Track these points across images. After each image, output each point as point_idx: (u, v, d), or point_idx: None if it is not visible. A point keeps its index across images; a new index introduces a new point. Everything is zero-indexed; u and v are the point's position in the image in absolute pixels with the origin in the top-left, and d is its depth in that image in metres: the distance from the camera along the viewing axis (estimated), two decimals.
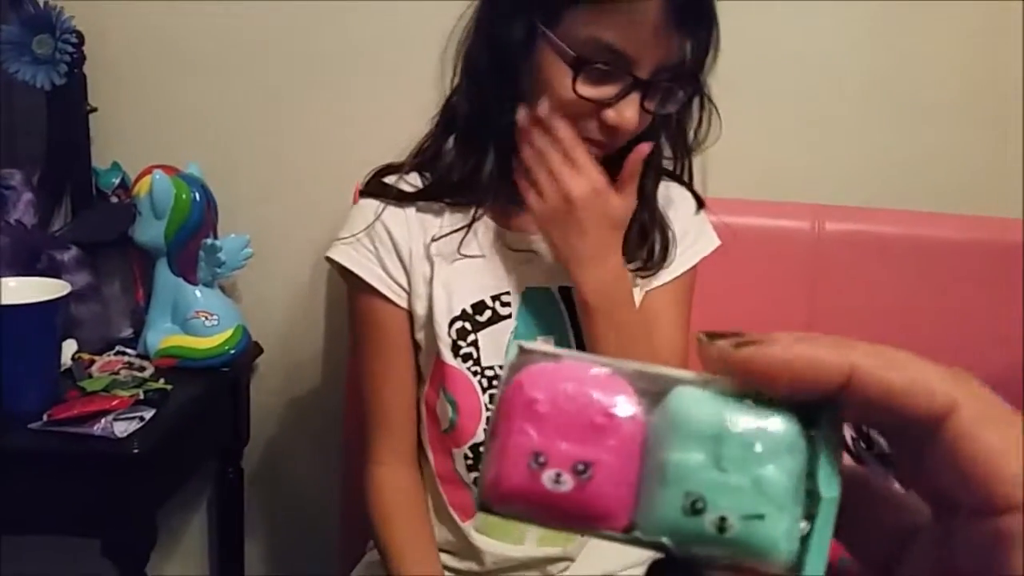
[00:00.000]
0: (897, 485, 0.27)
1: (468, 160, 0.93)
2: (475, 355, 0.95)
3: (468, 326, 0.95)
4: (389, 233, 0.95)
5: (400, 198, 0.96)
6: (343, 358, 1.34)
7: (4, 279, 1.07)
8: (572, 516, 0.24)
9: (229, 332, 1.23)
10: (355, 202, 1.06)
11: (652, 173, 0.96)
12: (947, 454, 0.23)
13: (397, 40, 1.30)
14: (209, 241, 1.22)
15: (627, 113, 0.84)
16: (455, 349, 0.94)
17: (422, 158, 0.98)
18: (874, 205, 1.34)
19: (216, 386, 1.22)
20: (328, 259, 0.98)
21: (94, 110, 1.30)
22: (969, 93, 1.34)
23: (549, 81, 0.85)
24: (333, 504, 1.37)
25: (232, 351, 1.23)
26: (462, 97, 0.93)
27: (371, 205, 0.97)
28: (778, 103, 1.34)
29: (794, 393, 0.24)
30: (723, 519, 0.23)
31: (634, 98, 0.84)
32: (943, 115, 1.35)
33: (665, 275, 0.99)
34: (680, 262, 1.00)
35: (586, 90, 0.83)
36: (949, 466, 0.23)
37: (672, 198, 1.01)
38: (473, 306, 0.95)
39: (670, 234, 0.98)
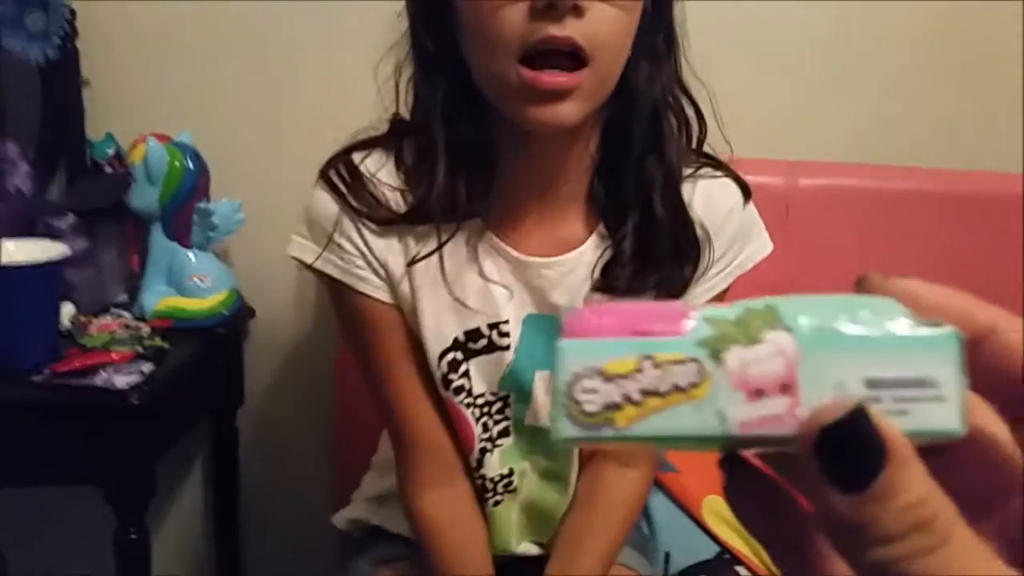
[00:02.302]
0: None
1: (431, 171, 0.80)
2: (467, 386, 0.87)
3: (460, 355, 0.86)
4: (365, 240, 0.83)
5: (375, 219, 0.82)
6: (333, 321, 1.38)
7: (4, 240, 1.10)
8: None
9: (223, 294, 1.27)
10: None
11: (661, 175, 0.83)
12: None
13: (391, 8, 1.34)
14: (202, 206, 1.26)
15: None
16: (446, 383, 0.86)
17: (396, 151, 0.85)
18: (846, 160, 1.38)
19: (211, 346, 1.26)
20: (308, 267, 0.84)
21: (87, 83, 1.34)
22: (940, 48, 1.39)
23: (477, 13, 0.74)
24: (325, 461, 1.41)
25: (226, 312, 1.27)
26: (420, 87, 0.83)
27: (338, 204, 0.83)
28: (750, 59, 1.38)
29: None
30: None
31: None
32: (914, 71, 1.39)
33: (703, 293, 0.87)
34: (722, 278, 0.87)
35: None
36: None
37: (712, 194, 0.87)
38: (467, 333, 0.85)
39: (703, 239, 0.85)
